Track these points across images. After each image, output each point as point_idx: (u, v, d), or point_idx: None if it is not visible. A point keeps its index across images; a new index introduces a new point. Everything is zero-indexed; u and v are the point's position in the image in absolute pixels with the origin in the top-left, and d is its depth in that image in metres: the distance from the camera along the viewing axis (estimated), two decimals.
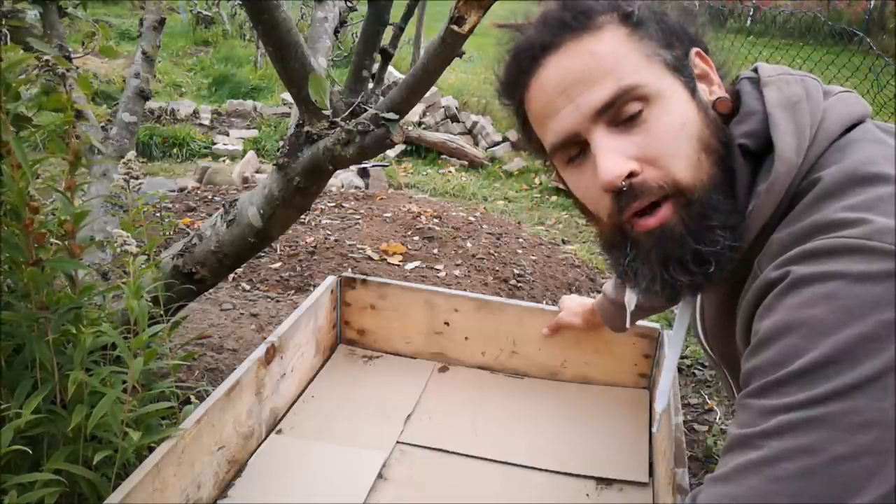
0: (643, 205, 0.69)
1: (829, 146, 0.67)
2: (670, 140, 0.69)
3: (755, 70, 0.77)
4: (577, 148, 0.73)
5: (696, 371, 2.22)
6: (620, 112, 0.69)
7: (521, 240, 3.21)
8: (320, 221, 3.25)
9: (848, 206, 0.60)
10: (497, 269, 2.85)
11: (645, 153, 0.69)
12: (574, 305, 1.46)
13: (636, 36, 0.71)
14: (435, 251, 2.96)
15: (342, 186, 4.33)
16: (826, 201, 0.62)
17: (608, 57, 0.70)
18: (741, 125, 0.72)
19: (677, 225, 0.69)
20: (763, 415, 0.58)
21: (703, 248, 0.69)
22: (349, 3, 1.61)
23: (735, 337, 0.71)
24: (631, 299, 1.10)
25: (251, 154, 5.23)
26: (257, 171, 4.92)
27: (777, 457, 0.56)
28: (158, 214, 3.25)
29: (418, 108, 6.01)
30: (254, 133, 6.03)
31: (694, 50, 0.75)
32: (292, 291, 2.61)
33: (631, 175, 0.69)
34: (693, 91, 0.72)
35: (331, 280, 1.56)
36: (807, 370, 0.56)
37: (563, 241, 3.60)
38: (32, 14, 1.64)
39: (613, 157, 0.68)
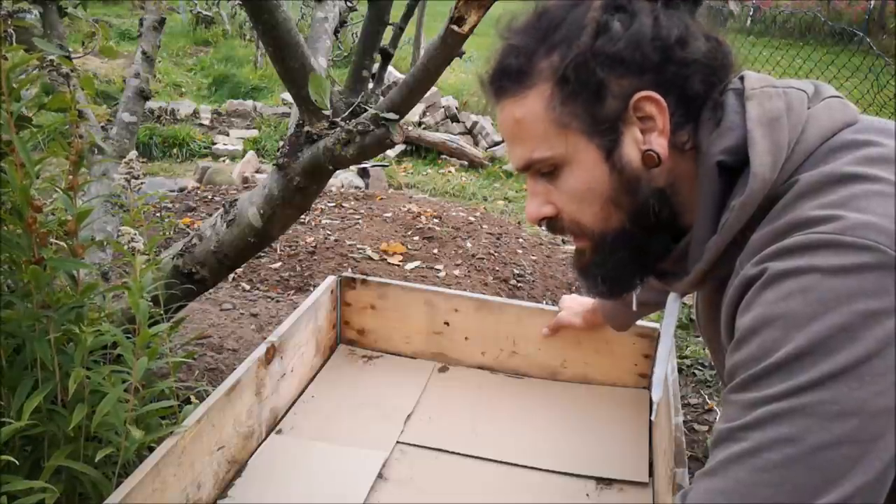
0: (562, 235, 0.83)
1: (806, 159, 0.69)
2: (577, 200, 0.77)
3: (741, 78, 0.77)
4: None
5: (696, 371, 2.22)
6: (539, 170, 0.79)
7: (521, 240, 3.22)
8: (320, 221, 3.25)
9: (822, 203, 0.62)
10: (497, 269, 2.85)
11: (558, 205, 0.79)
12: (574, 305, 1.47)
13: (560, 97, 0.74)
14: (435, 251, 2.97)
15: (342, 186, 4.33)
16: (802, 200, 0.64)
17: (526, 126, 0.77)
18: (721, 140, 0.72)
19: (587, 254, 0.82)
20: (745, 408, 0.60)
21: (609, 273, 0.81)
22: (349, 3, 1.61)
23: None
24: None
25: (251, 154, 5.23)
26: (257, 171, 4.92)
27: (760, 447, 0.57)
28: (158, 214, 3.26)
29: (418, 108, 6.01)
30: (254, 133, 6.04)
31: (639, 96, 0.72)
32: (292, 291, 2.61)
33: (548, 217, 0.80)
34: (610, 152, 0.75)
35: (331, 280, 1.56)
36: (785, 362, 0.58)
37: (563, 241, 3.60)
38: (32, 14, 1.64)
39: (534, 201, 0.80)
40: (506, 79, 0.77)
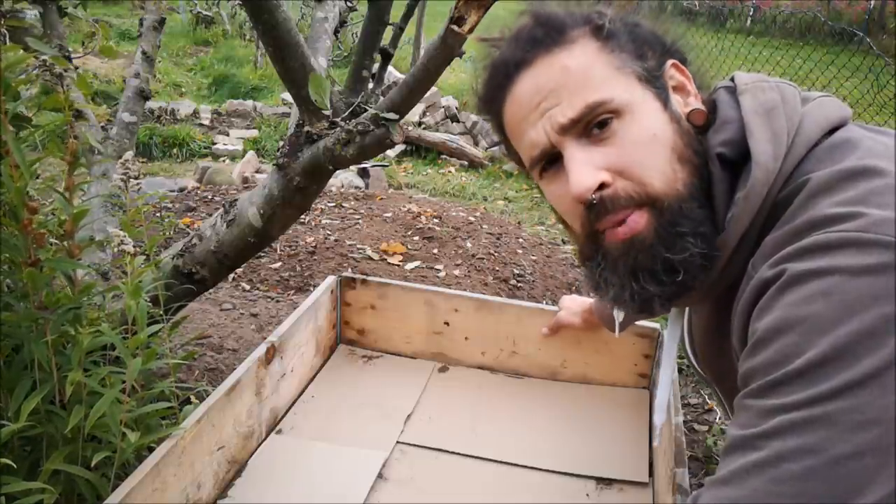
0: (617, 218, 0.70)
1: (809, 151, 0.67)
2: (641, 151, 0.70)
3: (732, 79, 0.77)
4: (552, 160, 0.75)
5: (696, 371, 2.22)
6: (591, 125, 0.71)
7: (521, 240, 3.22)
8: (320, 221, 3.25)
9: (840, 200, 0.60)
10: (497, 269, 2.85)
11: (616, 164, 0.70)
12: (574, 305, 1.46)
13: (607, 49, 0.73)
14: (435, 251, 2.96)
15: (342, 186, 4.33)
16: (818, 198, 0.62)
17: (578, 72, 0.71)
18: (718, 134, 0.72)
19: (648, 234, 0.70)
20: (763, 415, 0.57)
21: (673, 256, 0.69)
22: (349, 3, 1.61)
23: (725, 355, 0.71)
24: (619, 312, 1.09)
25: (251, 154, 5.23)
26: (257, 171, 4.92)
27: (779, 457, 0.55)
28: (158, 214, 3.26)
29: (418, 108, 6.02)
30: (254, 133, 6.04)
31: (670, 61, 0.76)
32: (292, 291, 2.61)
33: (602, 186, 0.70)
34: (666, 102, 0.73)
35: (331, 280, 1.56)
36: (807, 369, 0.55)
37: (563, 241, 3.60)
38: (32, 14, 1.64)
39: (584, 168, 0.70)
40: (538, 42, 0.73)
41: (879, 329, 0.53)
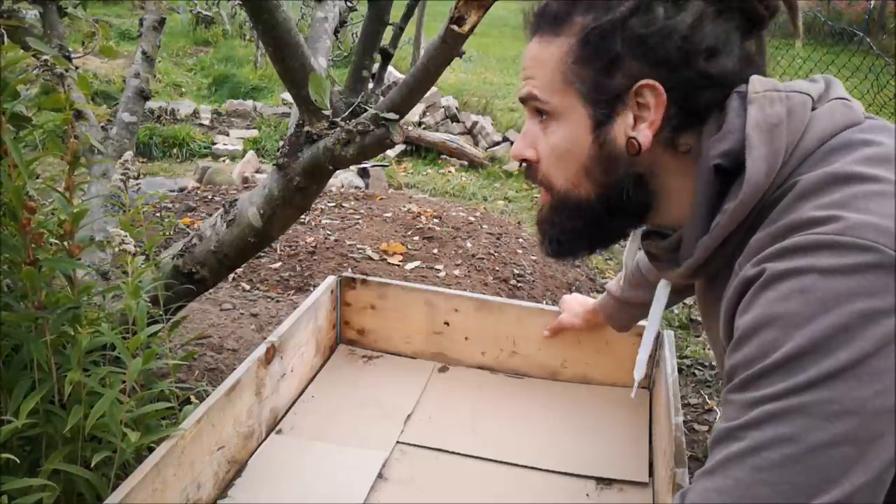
0: (535, 184, 0.85)
1: (804, 161, 0.69)
2: (555, 155, 0.80)
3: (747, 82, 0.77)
4: None
5: (696, 371, 2.22)
6: (535, 109, 0.81)
7: (521, 240, 3.21)
8: (320, 221, 3.25)
9: (821, 204, 0.63)
10: (497, 269, 2.85)
11: (538, 153, 0.82)
12: (575, 306, 1.47)
13: (575, 55, 0.76)
14: (435, 251, 2.96)
15: (342, 186, 4.33)
16: (801, 201, 0.65)
17: (539, 64, 0.79)
18: (720, 143, 0.73)
19: (546, 208, 0.85)
20: (744, 408, 0.60)
21: (557, 236, 0.85)
22: (349, 3, 1.61)
23: (719, 342, 0.74)
24: (629, 257, 1.09)
25: (251, 154, 5.23)
26: (257, 171, 4.92)
27: (759, 446, 0.58)
28: (158, 214, 3.26)
29: (418, 108, 6.01)
30: (254, 133, 6.04)
31: (643, 82, 0.73)
32: (292, 291, 2.61)
33: (528, 161, 0.83)
34: (600, 124, 0.77)
35: (331, 280, 1.56)
36: (784, 362, 0.58)
37: None
38: (32, 14, 1.64)
39: (522, 140, 0.83)
40: (542, 19, 0.80)
41: (853, 324, 0.56)
